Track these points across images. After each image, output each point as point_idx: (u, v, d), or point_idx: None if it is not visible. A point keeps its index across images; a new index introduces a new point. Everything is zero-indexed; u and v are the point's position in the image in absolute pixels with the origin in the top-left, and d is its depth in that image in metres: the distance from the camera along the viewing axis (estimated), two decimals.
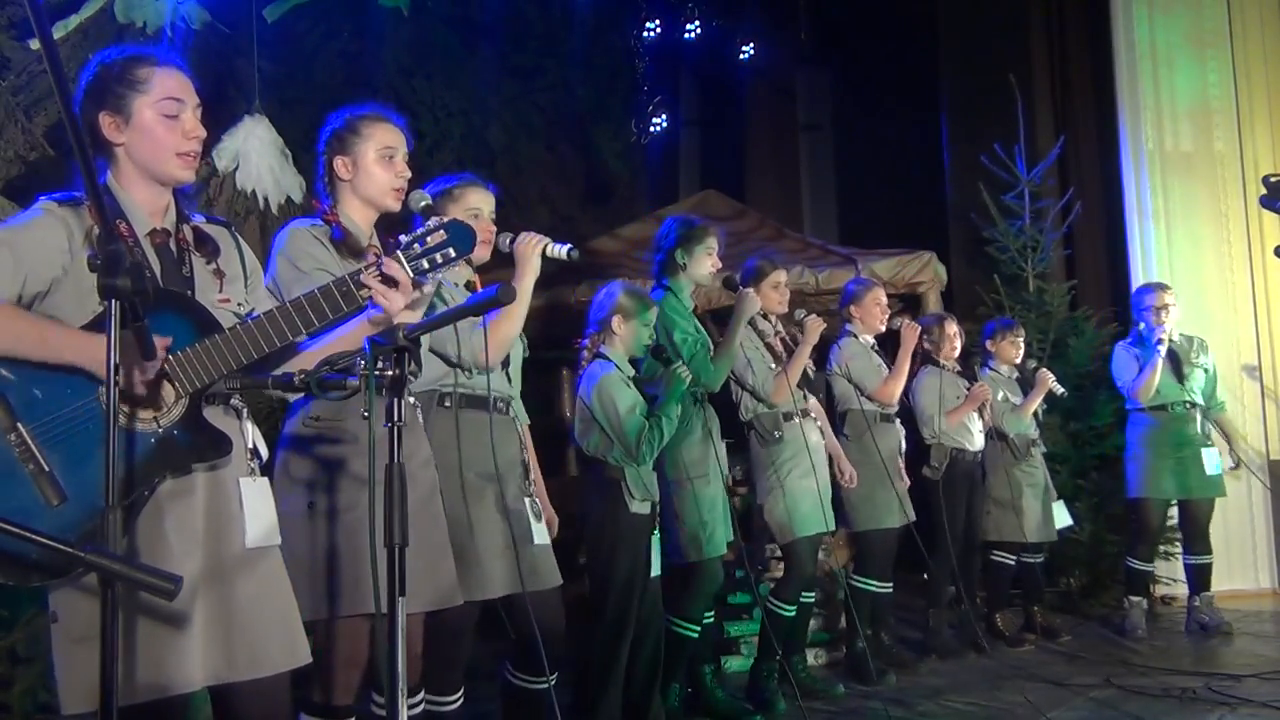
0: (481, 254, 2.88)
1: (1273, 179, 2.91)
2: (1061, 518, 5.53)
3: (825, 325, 4.32)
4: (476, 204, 2.96)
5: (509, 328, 2.79)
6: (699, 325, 4.00)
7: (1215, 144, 6.99)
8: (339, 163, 2.55)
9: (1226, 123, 6.99)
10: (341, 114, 2.61)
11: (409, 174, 2.58)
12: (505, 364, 2.96)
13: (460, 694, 2.84)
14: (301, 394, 1.94)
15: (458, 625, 2.72)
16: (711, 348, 3.96)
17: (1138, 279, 6.66)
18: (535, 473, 3.15)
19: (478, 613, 2.80)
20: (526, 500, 2.95)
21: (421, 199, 2.60)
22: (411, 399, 2.61)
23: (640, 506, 3.50)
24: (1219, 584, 5.87)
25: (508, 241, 2.85)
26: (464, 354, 2.79)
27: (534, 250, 2.78)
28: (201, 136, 2.06)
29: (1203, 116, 7.02)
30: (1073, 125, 7.81)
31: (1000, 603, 5.46)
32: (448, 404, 2.81)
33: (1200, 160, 6.99)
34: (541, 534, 2.97)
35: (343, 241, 2.47)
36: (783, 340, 4.31)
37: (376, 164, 2.54)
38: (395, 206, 2.57)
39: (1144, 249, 6.92)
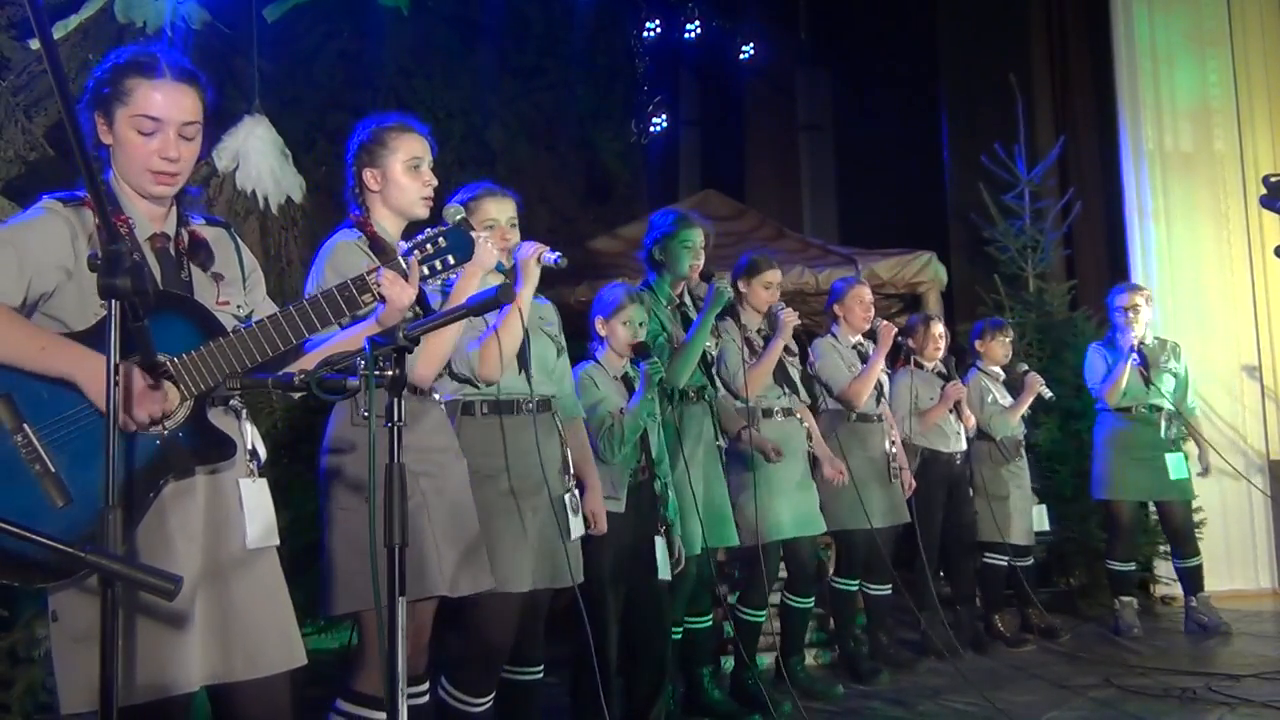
0: (493, 259, 2.90)
1: (1273, 179, 2.90)
2: (1040, 522, 5.54)
3: (800, 321, 4.25)
4: (493, 215, 3.01)
5: (507, 340, 2.83)
6: (666, 322, 3.93)
7: (1215, 144, 6.99)
8: (368, 175, 2.61)
9: (1226, 123, 6.99)
10: (367, 125, 2.65)
11: (435, 182, 2.63)
12: (525, 367, 2.99)
13: (490, 699, 2.88)
14: (301, 393, 1.95)
15: (490, 618, 2.78)
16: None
17: (1138, 279, 6.66)
18: (588, 467, 3.26)
19: (515, 611, 2.86)
20: (567, 496, 3.04)
21: (457, 213, 2.59)
22: (436, 395, 2.68)
23: (609, 505, 3.43)
24: (1219, 584, 5.85)
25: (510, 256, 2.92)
26: (460, 369, 2.87)
27: (533, 260, 2.85)
28: (176, 158, 1.97)
29: (1203, 116, 7.02)
30: (1073, 125, 7.81)
31: (997, 603, 5.46)
32: (480, 411, 2.91)
33: (1200, 160, 6.99)
34: (578, 527, 3.08)
35: (380, 251, 2.51)
36: (753, 338, 4.26)
37: (404, 175, 2.59)
38: (424, 214, 2.61)
39: (1144, 249, 6.92)
